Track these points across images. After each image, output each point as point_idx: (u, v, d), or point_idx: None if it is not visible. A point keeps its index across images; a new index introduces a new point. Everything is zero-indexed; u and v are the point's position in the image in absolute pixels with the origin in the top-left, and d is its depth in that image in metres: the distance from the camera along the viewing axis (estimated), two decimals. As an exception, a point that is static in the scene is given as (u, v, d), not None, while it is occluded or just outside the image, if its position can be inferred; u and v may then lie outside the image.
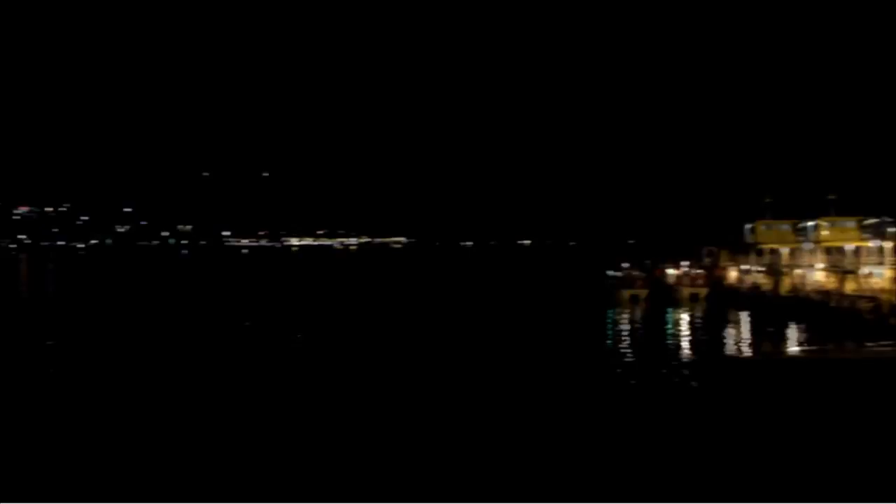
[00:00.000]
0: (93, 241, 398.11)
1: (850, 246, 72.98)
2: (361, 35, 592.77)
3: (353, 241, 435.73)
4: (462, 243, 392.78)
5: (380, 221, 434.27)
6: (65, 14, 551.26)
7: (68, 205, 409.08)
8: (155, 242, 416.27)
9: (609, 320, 70.74)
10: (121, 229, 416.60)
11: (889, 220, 72.43)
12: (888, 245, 68.29)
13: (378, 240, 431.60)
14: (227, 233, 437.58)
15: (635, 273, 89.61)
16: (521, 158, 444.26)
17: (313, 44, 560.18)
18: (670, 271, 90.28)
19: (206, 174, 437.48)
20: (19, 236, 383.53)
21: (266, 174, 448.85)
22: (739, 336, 59.21)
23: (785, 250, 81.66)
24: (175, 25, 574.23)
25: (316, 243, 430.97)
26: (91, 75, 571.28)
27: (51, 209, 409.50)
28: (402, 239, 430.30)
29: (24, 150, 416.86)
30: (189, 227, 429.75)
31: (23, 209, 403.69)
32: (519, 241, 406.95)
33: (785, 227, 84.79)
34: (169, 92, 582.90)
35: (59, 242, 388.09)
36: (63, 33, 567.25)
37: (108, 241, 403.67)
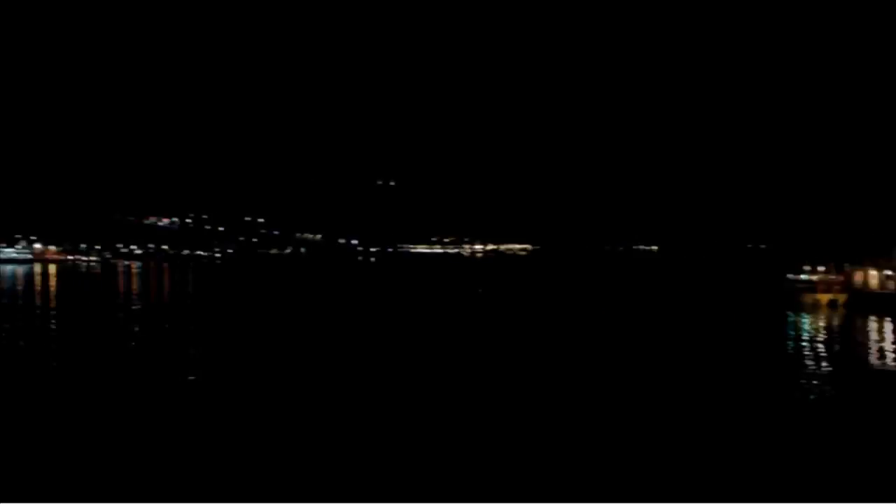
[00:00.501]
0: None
1: None
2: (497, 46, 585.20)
3: (479, 247, 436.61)
4: (639, 247, 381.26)
5: (505, 228, 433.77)
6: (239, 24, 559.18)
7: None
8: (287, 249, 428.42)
9: (793, 327, 68.20)
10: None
11: None
12: None
13: (504, 246, 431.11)
14: (355, 241, 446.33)
15: (830, 277, 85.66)
16: (679, 161, 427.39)
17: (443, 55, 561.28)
18: (861, 273, 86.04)
19: (380, 182, 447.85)
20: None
21: (392, 183, 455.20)
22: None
23: None
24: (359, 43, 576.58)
25: (441, 251, 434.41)
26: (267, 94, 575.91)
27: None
28: (528, 246, 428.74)
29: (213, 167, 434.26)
30: (319, 236, 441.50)
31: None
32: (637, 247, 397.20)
33: None
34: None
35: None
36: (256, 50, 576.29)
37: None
